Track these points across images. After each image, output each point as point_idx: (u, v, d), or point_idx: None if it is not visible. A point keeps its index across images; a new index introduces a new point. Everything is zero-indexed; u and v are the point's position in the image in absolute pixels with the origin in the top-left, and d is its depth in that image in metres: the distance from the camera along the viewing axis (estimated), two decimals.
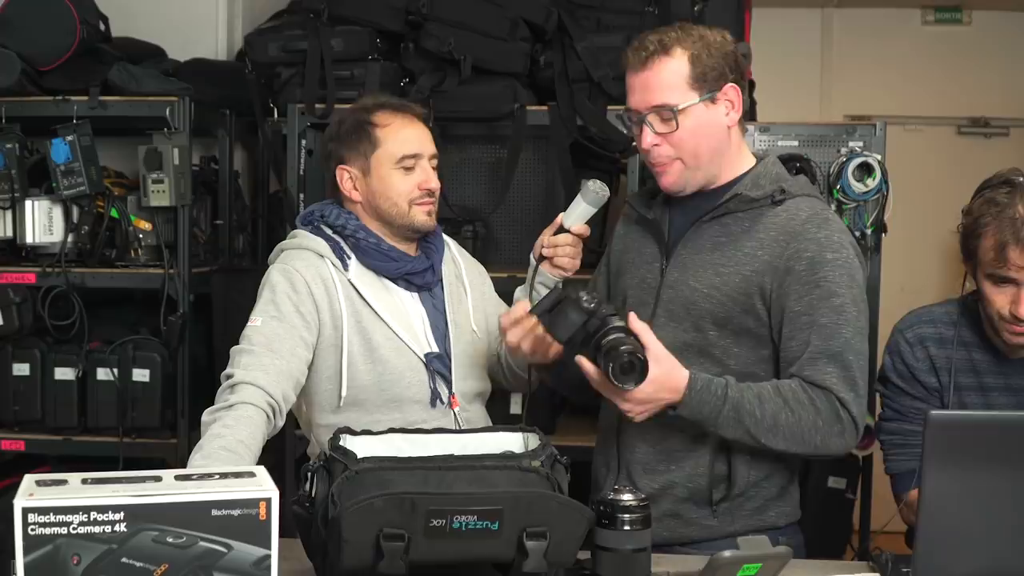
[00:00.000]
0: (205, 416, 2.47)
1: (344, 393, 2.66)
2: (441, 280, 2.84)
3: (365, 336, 2.68)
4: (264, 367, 2.54)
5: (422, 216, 2.76)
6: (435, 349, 2.75)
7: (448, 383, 2.75)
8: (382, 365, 2.68)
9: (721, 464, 2.54)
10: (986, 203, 2.57)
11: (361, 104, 2.85)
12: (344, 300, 2.68)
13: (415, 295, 2.78)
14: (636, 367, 2.32)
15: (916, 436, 2.69)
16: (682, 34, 2.50)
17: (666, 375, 2.38)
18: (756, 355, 2.54)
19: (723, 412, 2.40)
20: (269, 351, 2.57)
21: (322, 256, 2.71)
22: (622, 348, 2.32)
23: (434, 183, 2.76)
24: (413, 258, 2.79)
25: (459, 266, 2.91)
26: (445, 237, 2.94)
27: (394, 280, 2.76)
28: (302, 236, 2.77)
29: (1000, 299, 2.57)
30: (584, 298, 2.39)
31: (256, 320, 2.63)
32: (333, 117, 2.96)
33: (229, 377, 2.53)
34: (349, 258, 2.73)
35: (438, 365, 2.73)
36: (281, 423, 2.55)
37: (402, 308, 2.75)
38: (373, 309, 2.70)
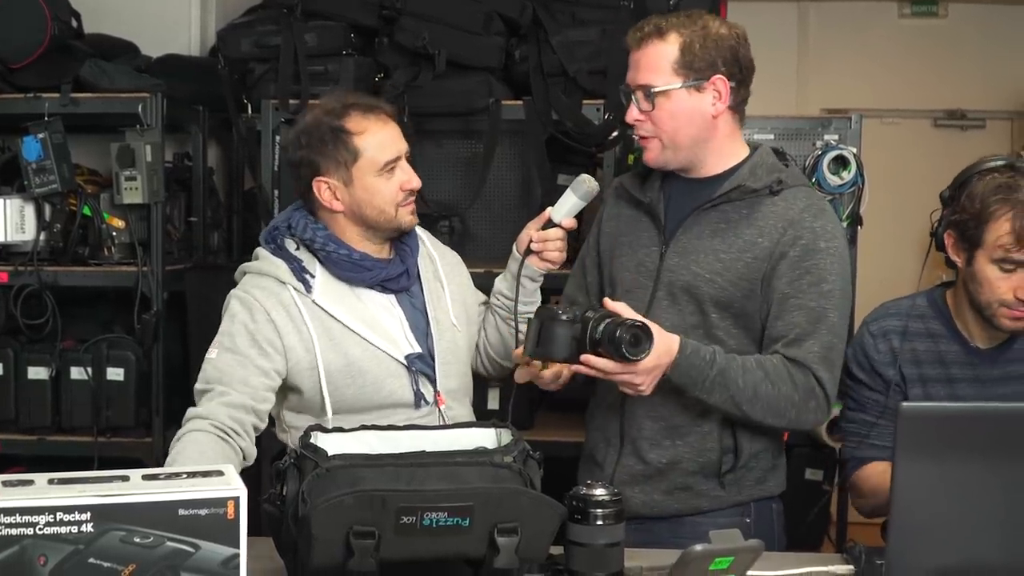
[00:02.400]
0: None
1: (329, 415, 2.64)
2: (419, 278, 2.81)
3: (341, 352, 2.65)
4: (212, 399, 2.56)
5: (408, 217, 2.72)
6: (417, 349, 2.72)
7: (433, 382, 2.72)
8: (362, 377, 2.66)
9: (728, 438, 2.62)
10: (995, 188, 2.57)
11: (328, 107, 2.72)
12: (311, 322, 2.65)
13: (391, 297, 2.75)
14: (643, 335, 2.38)
15: (872, 428, 2.74)
16: (684, 20, 2.59)
17: (661, 340, 2.44)
18: (755, 335, 2.63)
19: (710, 376, 2.48)
20: (220, 384, 2.58)
21: (283, 283, 2.67)
22: (620, 327, 2.37)
23: (416, 182, 2.71)
24: (387, 264, 2.75)
25: (435, 262, 2.88)
26: (419, 231, 2.90)
27: (369, 287, 2.73)
28: (263, 259, 2.73)
29: (1005, 285, 2.58)
30: (560, 312, 2.44)
31: (212, 352, 2.64)
32: (299, 121, 2.83)
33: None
34: (313, 277, 2.69)
35: (420, 365, 2.71)
36: (246, 445, 2.55)
37: (376, 315, 2.71)
38: (344, 324, 2.67)
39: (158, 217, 4.13)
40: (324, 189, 2.69)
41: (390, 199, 2.68)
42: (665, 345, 2.46)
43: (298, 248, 2.73)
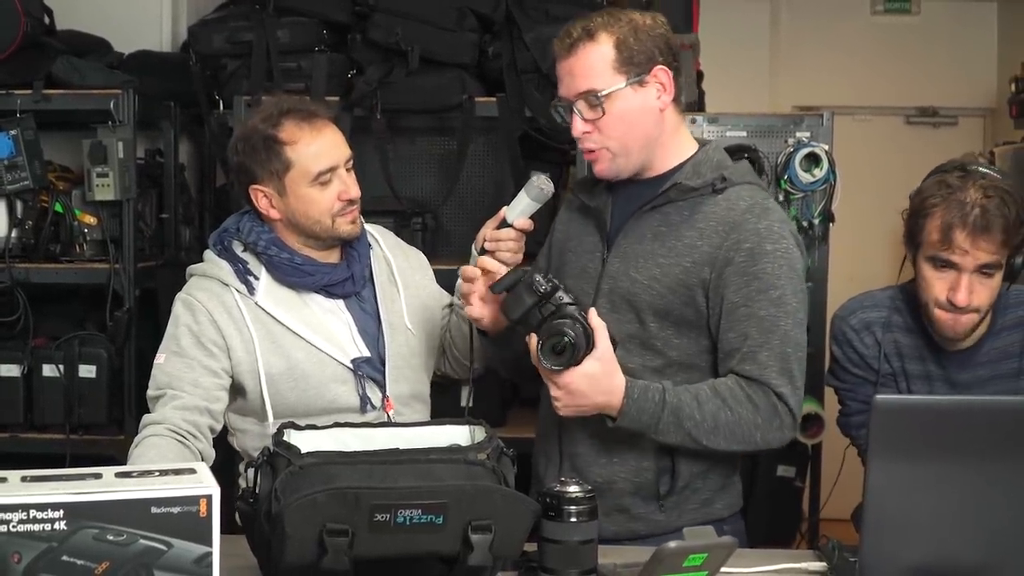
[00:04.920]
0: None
1: (270, 419, 2.61)
2: (372, 281, 2.77)
3: (284, 355, 2.63)
4: (165, 404, 2.56)
5: (346, 227, 2.66)
6: (365, 353, 2.69)
7: (381, 387, 2.69)
8: (305, 381, 2.63)
9: (664, 458, 2.50)
10: (937, 184, 2.57)
11: (264, 113, 2.66)
12: (253, 325, 2.62)
13: (339, 302, 2.71)
14: (565, 353, 2.31)
15: None
16: (609, 19, 2.46)
17: (605, 375, 2.36)
18: (698, 345, 2.51)
19: (663, 418, 2.38)
20: (171, 388, 2.58)
21: (226, 285, 2.65)
22: (563, 330, 2.31)
23: (354, 191, 2.65)
24: (331, 269, 2.70)
25: (390, 263, 2.83)
26: (373, 231, 2.86)
27: (314, 291, 2.69)
28: (208, 262, 2.71)
29: (939, 284, 2.57)
30: (538, 280, 2.36)
31: (160, 357, 2.64)
32: (238, 128, 2.77)
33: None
34: (257, 279, 2.66)
35: (368, 369, 2.67)
36: (203, 447, 2.55)
37: (323, 319, 2.68)
38: (288, 327, 2.64)
39: (130, 214, 4.12)
40: (260, 197, 2.65)
41: (325, 209, 2.63)
42: (607, 383, 2.37)
43: (245, 250, 2.70)
